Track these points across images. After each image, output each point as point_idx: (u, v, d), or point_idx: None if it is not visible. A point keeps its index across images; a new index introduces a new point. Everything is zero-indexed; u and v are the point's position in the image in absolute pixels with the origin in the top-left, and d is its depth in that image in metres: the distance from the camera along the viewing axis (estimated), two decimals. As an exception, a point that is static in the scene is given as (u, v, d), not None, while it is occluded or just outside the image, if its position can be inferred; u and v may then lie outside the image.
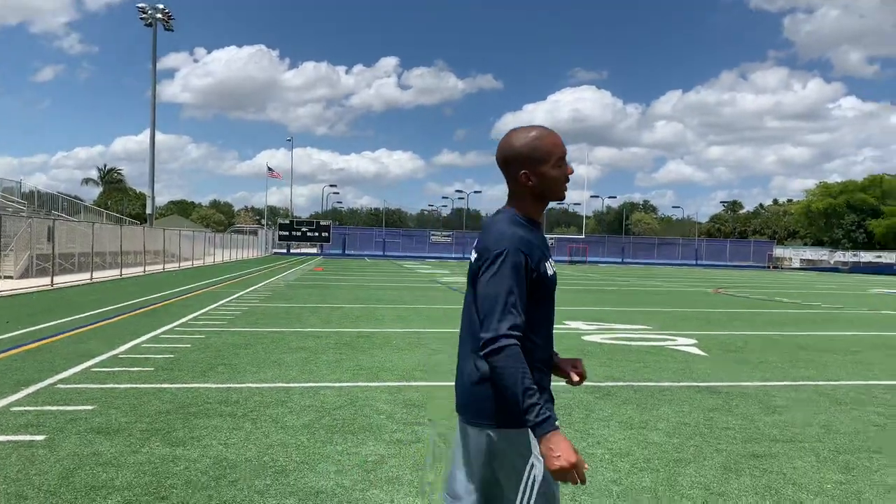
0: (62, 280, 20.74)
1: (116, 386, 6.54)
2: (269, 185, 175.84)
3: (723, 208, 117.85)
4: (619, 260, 74.51)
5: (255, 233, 63.87)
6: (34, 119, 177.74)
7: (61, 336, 9.68)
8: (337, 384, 6.87)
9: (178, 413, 5.60)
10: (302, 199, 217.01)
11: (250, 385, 6.75)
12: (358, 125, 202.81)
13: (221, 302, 15.39)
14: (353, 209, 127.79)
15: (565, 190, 2.19)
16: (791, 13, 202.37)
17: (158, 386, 6.58)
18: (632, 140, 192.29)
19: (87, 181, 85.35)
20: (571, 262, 66.24)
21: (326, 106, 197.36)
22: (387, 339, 10.17)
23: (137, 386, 6.56)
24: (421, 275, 31.69)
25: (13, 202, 32.85)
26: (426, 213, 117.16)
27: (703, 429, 5.49)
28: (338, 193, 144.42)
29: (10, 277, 21.04)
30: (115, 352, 8.44)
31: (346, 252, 66.41)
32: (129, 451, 4.59)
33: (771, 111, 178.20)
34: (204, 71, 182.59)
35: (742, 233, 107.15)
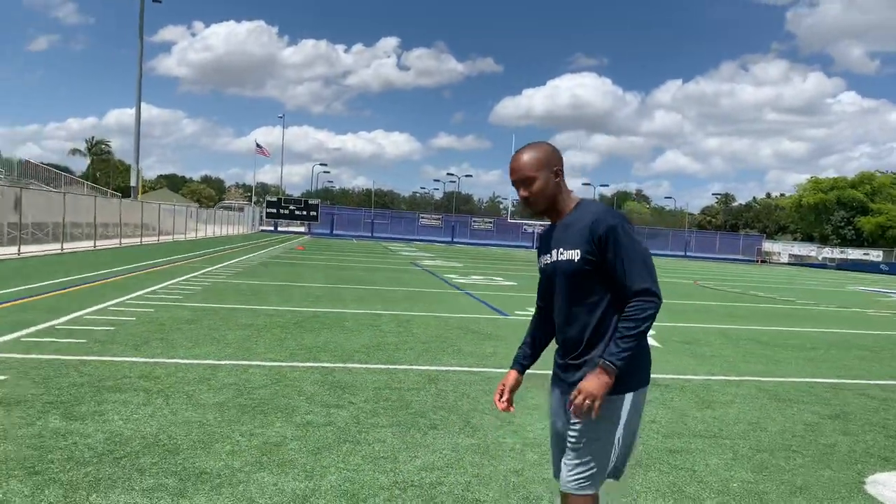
0: (31, 249, 20.48)
1: (39, 357, 6.36)
2: (262, 163, 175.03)
3: (715, 200, 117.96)
4: (608, 249, 74.46)
5: (242, 209, 63.41)
6: (28, 89, 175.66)
7: (6, 305, 9.48)
8: (269, 363, 6.71)
9: (92, 386, 5.44)
10: (297, 178, 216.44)
11: (179, 361, 6.58)
12: (355, 105, 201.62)
13: (187, 276, 15.18)
14: (345, 189, 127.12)
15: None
16: (794, 6, 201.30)
17: (82, 358, 6.41)
18: (630, 128, 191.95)
19: (74, 152, 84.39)
20: (559, 250, 66.09)
21: (324, 84, 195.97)
22: (340, 319, 10.02)
23: (60, 357, 6.39)
24: (402, 257, 31.52)
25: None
26: (418, 195, 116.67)
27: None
28: (328, 172, 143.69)
29: (-20, 245, 20.75)
30: (53, 322, 8.26)
31: (335, 232, 66.11)
32: (22, 424, 4.42)
33: (770, 104, 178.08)
34: (202, 45, 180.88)
35: (733, 226, 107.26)
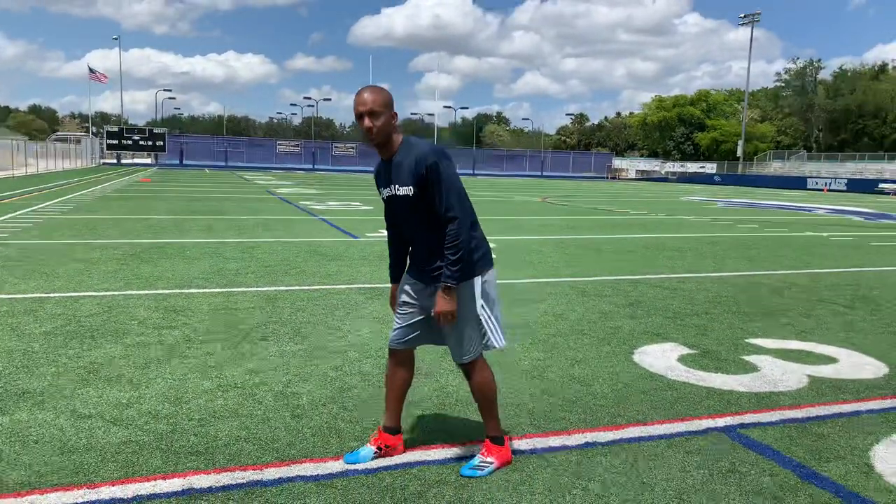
0: None
1: None
2: (101, 90, 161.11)
3: (570, 121, 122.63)
4: (471, 171, 76.11)
5: (79, 141, 58.73)
6: None
7: None
8: (101, 293, 6.70)
9: None
10: (142, 107, 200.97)
11: (3, 297, 6.42)
12: (203, 25, 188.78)
13: (14, 213, 14.25)
14: (195, 117, 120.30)
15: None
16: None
17: None
18: (491, 50, 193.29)
19: None
20: (421, 174, 66.68)
21: (166, 2, 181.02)
22: (182, 249, 9.95)
23: None
24: (258, 185, 30.83)
25: None
26: (275, 121, 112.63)
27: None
28: (174, 98, 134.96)
29: None
30: None
31: (185, 163, 62.96)
32: None
33: (623, 24, 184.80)
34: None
35: (587, 145, 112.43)
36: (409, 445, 3.31)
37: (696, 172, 70.06)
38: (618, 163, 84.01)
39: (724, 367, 4.79)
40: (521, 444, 3.37)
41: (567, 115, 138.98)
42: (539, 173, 77.69)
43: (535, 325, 5.85)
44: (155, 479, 2.89)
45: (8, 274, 7.54)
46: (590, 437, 3.49)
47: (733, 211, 22.90)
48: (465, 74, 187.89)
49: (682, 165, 75.62)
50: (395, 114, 2.93)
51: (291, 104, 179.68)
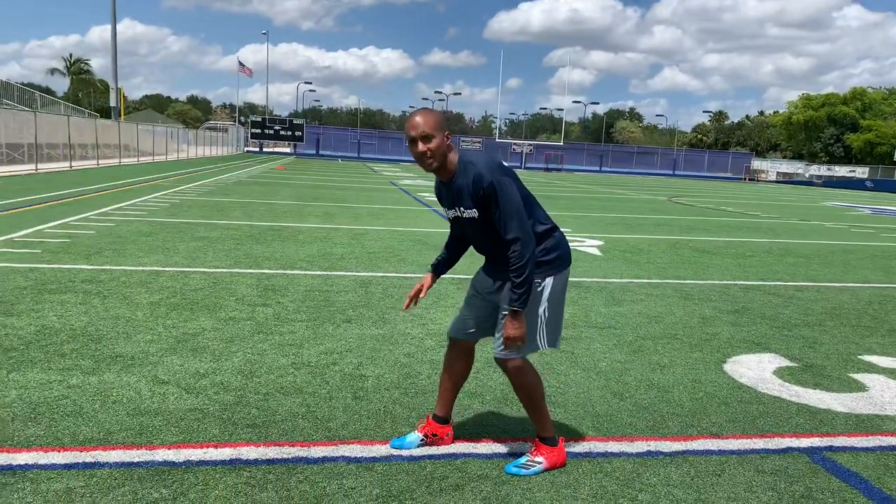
0: (3, 170, 20.58)
1: (-10, 265, 6.72)
2: (250, 83, 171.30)
3: (708, 118, 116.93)
4: (598, 168, 74.45)
5: (226, 130, 62.86)
6: (7, 4, 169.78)
7: (-30, 220, 9.77)
8: (211, 269, 7.11)
9: (35, 289, 5.82)
10: (287, 98, 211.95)
11: (125, 268, 6.96)
12: (346, 20, 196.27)
13: (157, 195, 15.44)
14: (333, 109, 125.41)
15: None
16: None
17: (32, 266, 6.78)
18: (628, 45, 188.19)
19: (52, 71, 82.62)
20: (547, 170, 66.08)
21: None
22: (296, 233, 10.37)
23: (10, 265, 6.75)
24: (383, 177, 31.67)
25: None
26: (408, 114, 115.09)
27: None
28: (314, 91, 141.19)
29: (-45, 166, 20.84)
30: (12, 235, 8.59)
31: (321, 153, 65.78)
32: (-39, 320, 4.81)
33: (773, 18, 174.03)
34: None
35: (725, 144, 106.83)
36: (460, 437, 3.25)
37: (844, 177, 64.75)
38: (757, 164, 79.21)
39: (825, 383, 4.36)
40: (577, 447, 3.22)
41: (705, 112, 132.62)
42: (670, 172, 74.71)
43: (625, 327, 5.60)
44: (207, 447, 3.01)
45: (136, 248, 8.16)
46: (653, 445, 3.28)
47: (881, 219, 20.95)
48: (600, 69, 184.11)
49: (829, 168, 70.12)
50: (449, 133, 2.83)
51: (423, 98, 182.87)
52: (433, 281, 3.22)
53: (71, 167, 24.14)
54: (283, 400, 3.62)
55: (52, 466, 2.77)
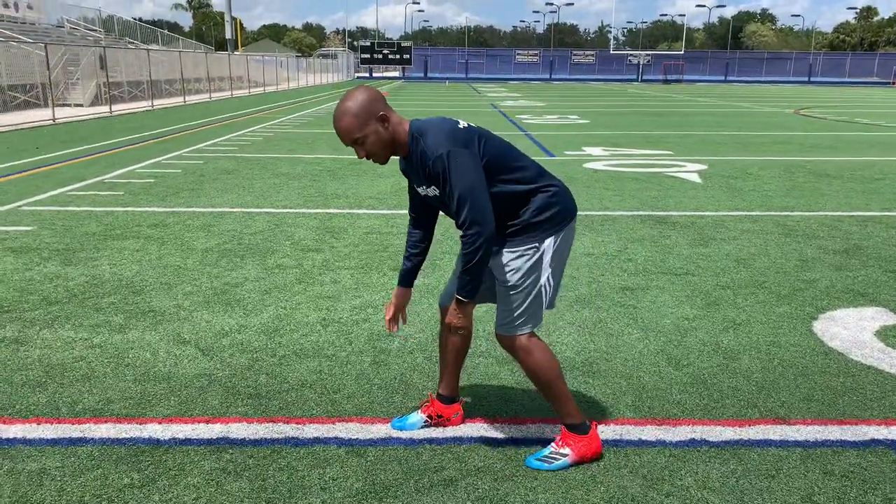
0: (123, 108, 21.61)
1: (72, 209, 6.93)
2: (363, 6, 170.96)
3: (853, 16, 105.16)
4: (722, 78, 69.27)
5: (336, 57, 63.24)
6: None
7: (73, 161, 10.23)
8: (278, 210, 7.00)
9: (102, 235, 5.92)
10: (400, 20, 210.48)
11: (195, 209, 6.98)
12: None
13: (254, 128, 15.66)
14: (443, 28, 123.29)
15: None
16: None
17: (109, 209, 6.93)
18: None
19: (176, 7, 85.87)
20: (666, 82, 62.18)
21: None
22: (375, 167, 10.11)
23: (90, 209, 6.93)
24: (486, 98, 30.82)
25: (93, 31, 33.71)
26: (519, 30, 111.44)
27: (606, 259, 5.27)
28: (423, 11, 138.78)
29: (81, 105, 22.09)
30: (105, 176, 8.88)
31: (429, 75, 65.08)
32: (23, 269, 4.93)
33: None
34: None
35: (872, 44, 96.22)
36: (474, 415, 2.90)
37: None
38: (910, 65, 70.81)
39: (939, 350, 3.64)
40: (606, 431, 2.79)
41: (849, 8, 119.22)
42: (805, 79, 68.31)
43: (705, 272, 4.97)
44: (198, 422, 2.84)
45: (213, 188, 8.21)
46: (699, 432, 2.79)
47: None
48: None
49: None
50: (384, 114, 2.36)
51: (534, 11, 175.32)
52: (406, 297, 2.73)
53: (185, 102, 25.04)
54: (296, 365, 3.40)
55: (38, 442, 2.69)
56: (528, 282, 2.44)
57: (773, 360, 3.48)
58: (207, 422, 2.85)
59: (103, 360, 3.44)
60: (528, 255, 2.44)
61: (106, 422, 2.84)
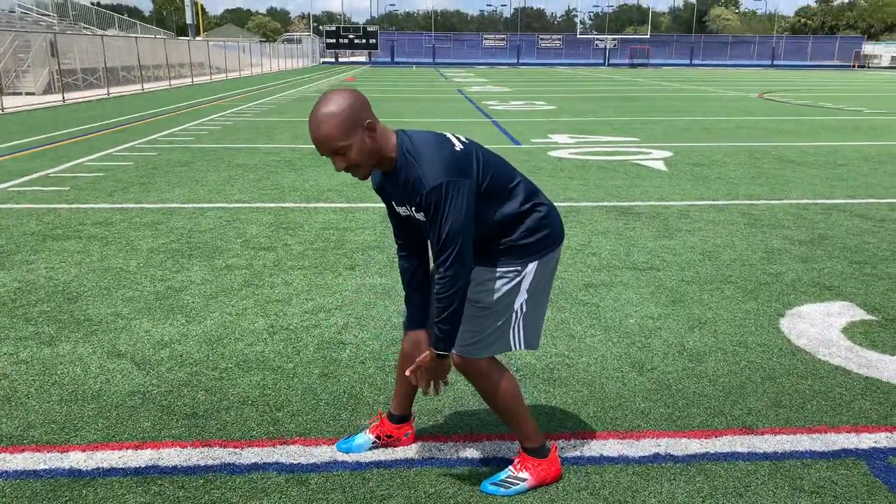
0: (77, 96, 20.89)
1: (12, 206, 6.57)
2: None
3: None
4: (688, 62, 69.75)
5: (301, 42, 62.20)
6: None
7: (18, 154, 9.78)
8: (231, 205, 6.72)
9: (40, 235, 5.60)
10: (365, 4, 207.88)
11: (144, 206, 6.67)
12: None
13: (213, 116, 15.21)
14: (409, 13, 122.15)
15: None
16: None
17: (52, 206, 6.58)
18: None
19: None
20: (632, 66, 62.42)
21: None
22: (337, 154, 9.84)
23: (32, 206, 6.58)
24: (452, 84, 30.52)
25: (46, 15, 32.57)
26: (486, 14, 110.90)
27: (570, 254, 5.11)
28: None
29: (33, 94, 21.32)
30: (50, 171, 8.48)
31: (395, 60, 64.43)
32: (-50, 276, 4.61)
33: None
34: None
35: (833, 27, 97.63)
36: (424, 434, 2.72)
37: (974, 58, 58.01)
38: (869, 48, 72.08)
39: (907, 347, 3.55)
40: (567, 447, 2.63)
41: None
42: (769, 62, 69.11)
43: (670, 267, 4.84)
44: (126, 448, 2.61)
45: (164, 181, 7.88)
46: (664, 446, 2.64)
47: None
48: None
49: (956, 50, 62.93)
50: (370, 122, 2.07)
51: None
52: (420, 339, 2.43)
53: (143, 89, 24.34)
54: (238, 379, 3.18)
55: (-55, 477, 2.44)
56: (501, 305, 2.25)
57: (740, 363, 3.35)
58: (136, 447, 2.62)
59: (28, 378, 3.18)
60: (507, 277, 2.24)
61: (23, 451, 2.60)
